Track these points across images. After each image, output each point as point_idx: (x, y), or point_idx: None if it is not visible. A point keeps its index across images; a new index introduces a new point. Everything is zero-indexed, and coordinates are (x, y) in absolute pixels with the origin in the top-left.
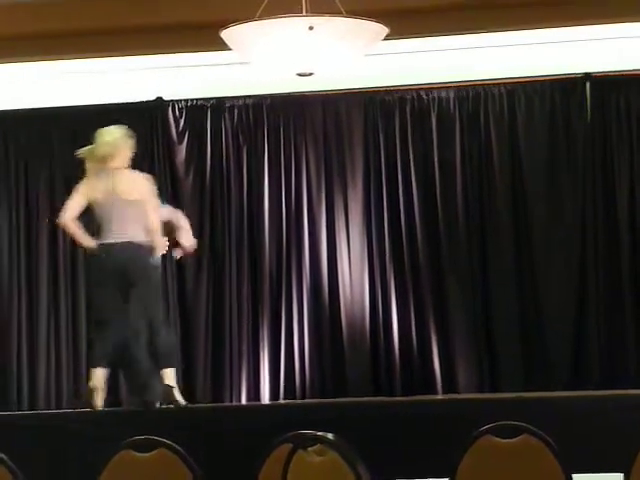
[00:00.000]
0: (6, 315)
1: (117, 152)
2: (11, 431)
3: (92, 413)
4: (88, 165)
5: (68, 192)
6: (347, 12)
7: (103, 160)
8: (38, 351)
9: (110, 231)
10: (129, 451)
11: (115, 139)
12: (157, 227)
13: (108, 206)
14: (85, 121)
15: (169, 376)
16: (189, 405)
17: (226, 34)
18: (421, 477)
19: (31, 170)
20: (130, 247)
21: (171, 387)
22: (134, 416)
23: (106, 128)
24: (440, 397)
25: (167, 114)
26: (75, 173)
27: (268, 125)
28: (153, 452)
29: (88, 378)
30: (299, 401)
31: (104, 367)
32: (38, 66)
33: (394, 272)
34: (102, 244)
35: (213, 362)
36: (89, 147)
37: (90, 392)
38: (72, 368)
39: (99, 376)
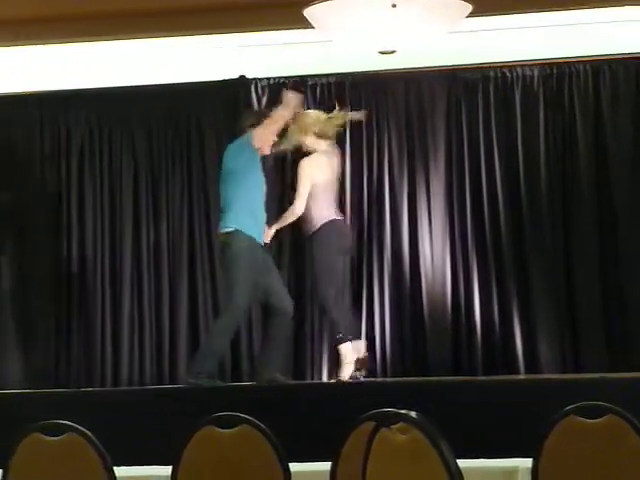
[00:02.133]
0: (91, 297)
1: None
2: (96, 407)
3: (173, 390)
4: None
5: (152, 173)
6: None
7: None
8: (122, 333)
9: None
10: (212, 427)
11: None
12: None
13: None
14: (165, 100)
15: None
16: (271, 383)
17: (309, 12)
18: (504, 457)
19: (115, 151)
20: None
21: None
22: (216, 392)
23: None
24: (522, 377)
25: (250, 92)
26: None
27: (350, 103)
28: (236, 428)
29: None
30: (380, 379)
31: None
32: (122, 45)
33: (476, 251)
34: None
35: (295, 341)
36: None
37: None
38: (155, 349)
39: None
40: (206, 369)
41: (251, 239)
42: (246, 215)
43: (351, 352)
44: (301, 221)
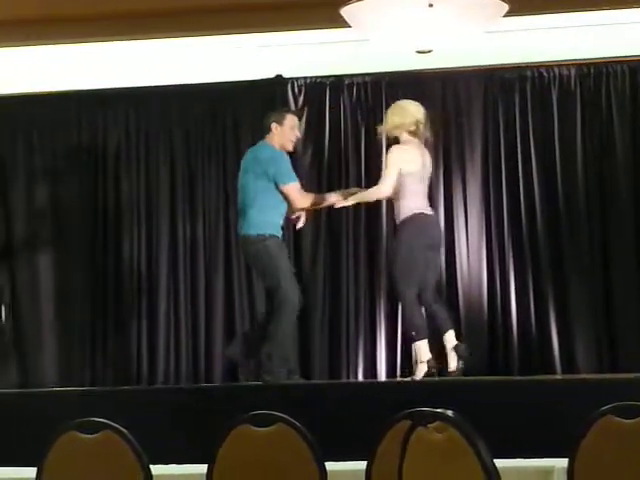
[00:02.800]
0: (127, 296)
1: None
2: (132, 406)
3: (209, 388)
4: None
5: (189, 171)
6: None
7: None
8: (158, 330)
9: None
10: (247, 425)
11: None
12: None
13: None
14: (205, 99)
15: None
16: (306, 381)
17: (346, 11)
18: (540, 456)
19: (151, 151)
20: None
21: None
22: (251, 391)
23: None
24: (559, 377)
25: (286, 91)
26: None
27: (386, 102)
28: (271, 427)
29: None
30: (416, 379)
31: None
32: (159, 44)
33: (512, 251)
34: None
35: (330, 340)
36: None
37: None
38: (191, 347)
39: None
40: (283, 367)
41: (277, 235)
42: (276, 215)
43: (426, 351)
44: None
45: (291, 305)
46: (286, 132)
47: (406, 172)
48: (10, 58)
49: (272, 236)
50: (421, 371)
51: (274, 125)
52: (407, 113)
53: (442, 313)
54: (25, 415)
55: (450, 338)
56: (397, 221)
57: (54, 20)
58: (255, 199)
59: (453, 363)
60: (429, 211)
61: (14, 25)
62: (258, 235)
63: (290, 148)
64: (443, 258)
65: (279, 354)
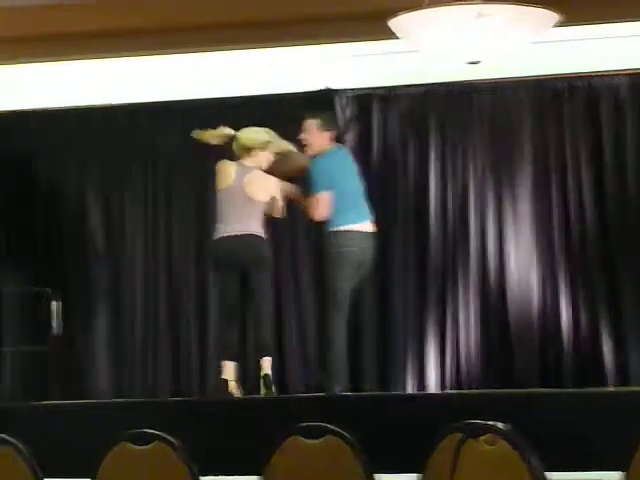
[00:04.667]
0: (177, 308)
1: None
2: (183, 417)
3: (263, 400)
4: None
5: None
6: None
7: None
8: (208, 342)
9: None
10: (298, 437)
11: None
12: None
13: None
14: (253, 111)
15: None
16: (356, 393)
17: (394, 23)
18: (593, 470)
19: (202, 160)
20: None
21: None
22: (301, 402)
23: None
24: (612, 389)
25: (334, 103)
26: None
27: (435, 114)
28: (322, 439)
29: None
30: (466, 391)
31: None
32: (203, 57)
33: (563, 262)
34: None
35: (379, 352)
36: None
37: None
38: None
39: None
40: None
41: None
42: None
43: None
44: None
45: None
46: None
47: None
48: (63, 71)
49: None
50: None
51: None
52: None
53: None
54: (78, 427)
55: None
56: None
57: (105, 34)
58: None
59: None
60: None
61: (72, 38)
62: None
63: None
64: (493, 271)
65: (337, 365)
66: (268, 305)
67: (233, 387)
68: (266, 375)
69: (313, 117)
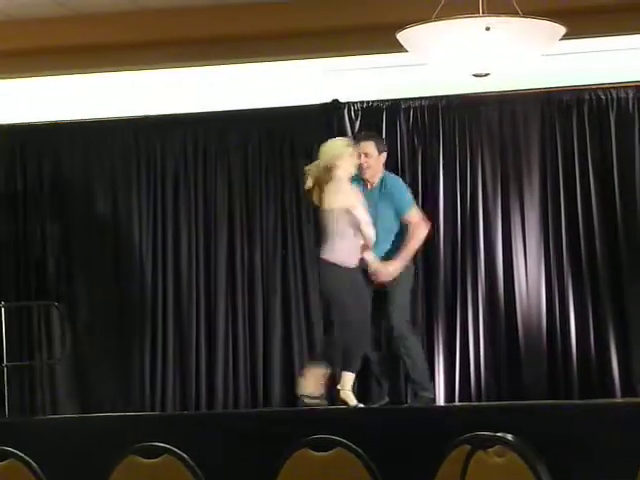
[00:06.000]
0: (186, 321)
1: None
2: (191, 430)
3: (268, 412)
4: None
5: (247, 196)
6: (524, 12)
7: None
8: (216, 355)
9: None
10: (307, 450)
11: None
12: None
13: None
14: (262, 124)
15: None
16: (364, 406)
17: (402, 36)
18: None
19: (209, 176)
20: None
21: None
22: (312, 415)
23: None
24: (619, 400)
25: (343, 116)
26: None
27: (443, 126)
28: (331, 451)
29: None
30: (475, 403)
31: None
32: (215, 70)
33: (571, 273)
34: None
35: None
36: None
37: None
38: (249, 371)
39: None
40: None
41: None
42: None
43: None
44: None
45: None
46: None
47: None
48: (68, 85)
49: None
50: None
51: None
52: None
53: None
54: (87, 440)
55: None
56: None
57: (107, 48)
58: None
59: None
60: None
61: (76, 52)
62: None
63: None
64: (502, 284)
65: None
66: None
67: (347, 396)
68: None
69: (368, 139)
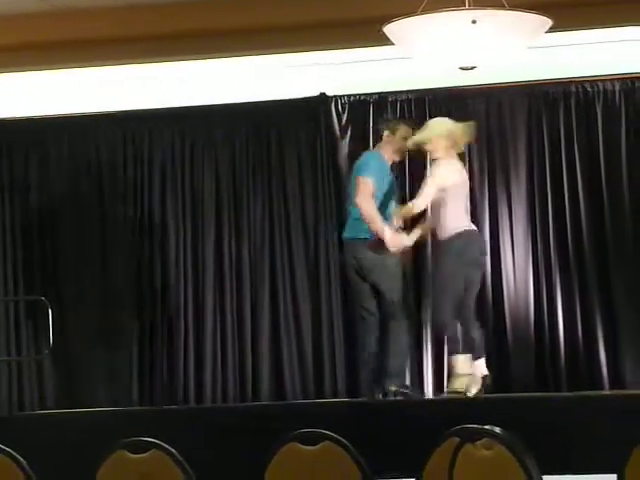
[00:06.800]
0: (174, 316)
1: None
2: (180, 425)
3: (256, 407)
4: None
5: (234, 190)
6: (510, 5)
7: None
8: (205, 350)
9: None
10: (295, 444)
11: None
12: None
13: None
14: (249, 118)
15: None
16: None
17: (389, 29)
18: (588, 472)
19: (196, 170)
20: None
21: None
22: (295, 409)
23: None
24: (607, 392)
25: (330, 109)
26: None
27: (430, 119)
28: (318, 445)
29: None
30: (462, 396)
31: None
32: (202, 64)
33: (559, 266)
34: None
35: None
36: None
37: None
38: (237, 366)
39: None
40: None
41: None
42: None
43: (464, 365)
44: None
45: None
46: (398, 142)
47: (446, 188)
48: (56, 79)
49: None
50: (458, 385)
51: (386, 133)
52: (441, 128)
53: (479, 338)
54: (75, 435)
55: (480, 365)
56: (440, 238)
57: (92, 42)
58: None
59: (474, 389)
60: (472, 227)
61: (62, 47)
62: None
63: (398, 158)
64: (489, 276)
65: (395, 370)
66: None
67: (466, 383)
68: (485, 376)
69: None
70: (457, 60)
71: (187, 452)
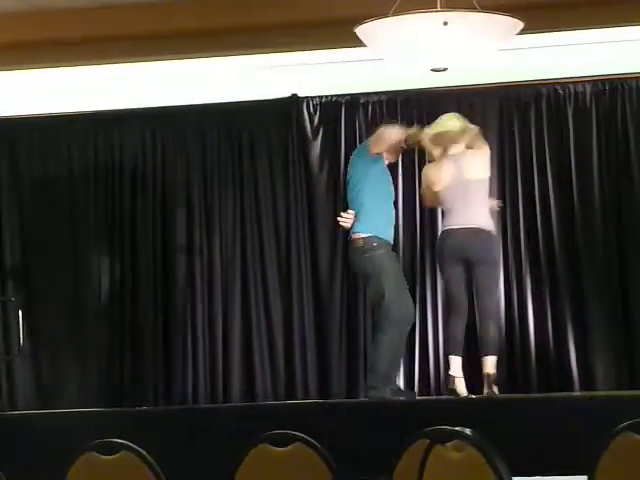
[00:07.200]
0: (142, 316)
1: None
2: (150, 426)
3: (226, 407)
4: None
5: (205, 191)
6: (482, 7)
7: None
8: (175, 350)
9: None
10: (266, 445)
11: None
12: None
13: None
14: (221, 119)
15: None
16: (324, 401)
17: (361, 30)
18: (559, 474)
19: (167, 170)
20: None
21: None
22: (270, 410)
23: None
24: (577, 394)
25: (302, 110)
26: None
27: (402, 121)
28: (289, 446)
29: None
30: (433, 397)
31: None
32: (173, 65)
33: (530, 268)
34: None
35: (348, 360)
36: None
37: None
38: (208, 366)
39: None
40: (388, 385)
41: (388, 244)
42: (380, 219)
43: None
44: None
45: (396, 319)
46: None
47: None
48: (27, 79)
49: (383, 241)
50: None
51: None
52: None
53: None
54: (45, 436)
55: (488, 364)
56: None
57: (66, 42)
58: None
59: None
60: (455, 225)
61: (34, 47)
62: (365, 238)
63: (393, 160)
64: None
65: (382, 370)
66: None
67: (459, 384)
68: (488, 374)
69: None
70: (429, 62)
71: (158, 453)
